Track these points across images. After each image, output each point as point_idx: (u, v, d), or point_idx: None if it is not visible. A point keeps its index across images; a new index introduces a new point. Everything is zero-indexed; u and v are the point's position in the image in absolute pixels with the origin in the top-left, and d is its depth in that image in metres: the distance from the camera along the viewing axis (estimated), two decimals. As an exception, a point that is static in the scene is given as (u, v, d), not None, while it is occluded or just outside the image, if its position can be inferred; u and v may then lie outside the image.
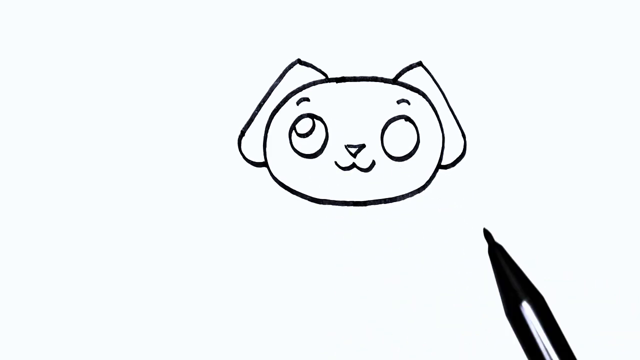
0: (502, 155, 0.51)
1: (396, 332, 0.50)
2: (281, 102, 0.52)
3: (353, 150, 0.51)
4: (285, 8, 0.52)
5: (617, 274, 0.50)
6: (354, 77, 0.52)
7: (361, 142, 0.51)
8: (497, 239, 0.47)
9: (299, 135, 0.51)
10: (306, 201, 0.51)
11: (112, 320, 0.50)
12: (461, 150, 0.51)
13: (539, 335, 0.26)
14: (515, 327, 0.26)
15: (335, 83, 0.52)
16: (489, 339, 0.48)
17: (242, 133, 0.52)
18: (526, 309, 0.27)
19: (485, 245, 0.46)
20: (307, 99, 0.52)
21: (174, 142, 0.52)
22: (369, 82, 0.52)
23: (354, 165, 0.51)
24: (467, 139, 0.51)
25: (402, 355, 0.49)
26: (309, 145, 0.51)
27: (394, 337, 0.50)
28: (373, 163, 0.51)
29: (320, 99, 0.52)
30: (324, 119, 0.52)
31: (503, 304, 0.27)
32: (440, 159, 0.51)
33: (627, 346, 0.49)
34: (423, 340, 0.49)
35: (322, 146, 0.51)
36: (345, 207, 0.51)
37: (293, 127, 0.52)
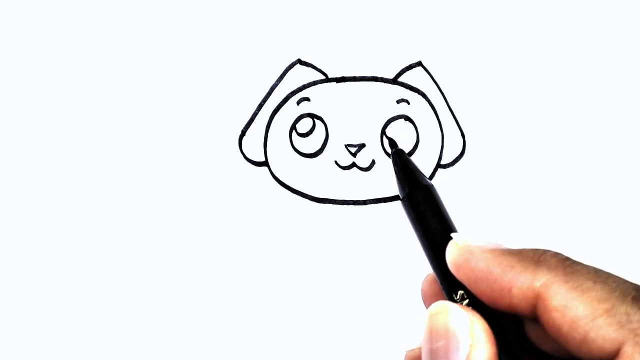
0: (501, 155, 0.52)
1: (396, 331, 0.50)
2: (281, 102, 0.52)
3: (353, 149, 0.51)
4: (285, 8, 0.53)
5: (618, 272, 0.50)
6: (354, 77, 0.52)
7: (361, 142, 0.52)
8: (497, 237, 0.47)
9: (300, 134, 0.52)
10: (306, 200, 0.51)
11: (112, 318, 0.50)
12: (460, 150, 0.52)
13: (427, 215, 0.30)
14: (412, 213, 0.31)
15: (335, 83, 0.52)
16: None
17: (243, 133, 0.52)
18: (419, 195, 0.31)
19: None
20: (307, 99, 0.52)
21: (175, 142, 0.52)
22: (369, 82, 0.52)
23: (354, 165, 0.51)
24: (466, 139, 0.52)
25: (400, 352, 0.50)
26: (309, 144, 0.52)
27: (393, 337, 0.50)
28: (373, 162, 0.51)
29: (320, 99, 0.52)
30: (324, 119, 0.52)
31: (400, 193, 0.31)
32: (440, 159, 0.52)
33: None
34: (421, 338, 0.50)
35: (322, 146, 0.52)
36: (345, 206, 0.51)
37: (293, 127, 0.52)
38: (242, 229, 0.51)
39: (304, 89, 0.52)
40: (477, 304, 0.28)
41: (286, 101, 0.52)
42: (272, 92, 0.52)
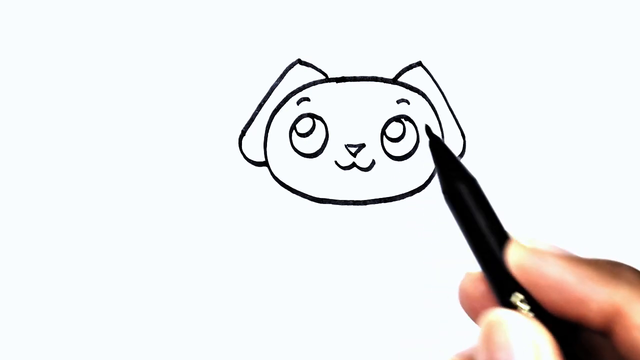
0: (501, 155, 0.51)
1: (395, 330, 0.50)
2: (281, 102, 0.52)
3: (353, 149, 0.51)
4: (285, 8, 0.52)
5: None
6: (354, 77, 0.52)
7: (361, 142, 0.51)
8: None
9: (300, 134, 0.52)
10: (307, 200, 0.51)
11: (111, 318, 0.50)
12: (460, 150, 0.52)
13: (475, 210, 0.29)
14: (453, 205, 0.29)
15: (335, 83, 0.52)
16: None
17: (243, 133, 0.52)
18: (463, 188, 0.29)
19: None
20: (307, 99, 0.52)
21: (175, 142, 0.52)
22: (369, 82, 0.52)
23: (354, 165, 0.51)
24: (466, 139, 0.52)
25: (401, 353, 0.50)
26: (309, 144, 0.52)
27: (393, 337, 0.50)
28: (373, 163, 0.51)
29: (320, 99, 0.52)
30: (324, 119, 0.52)
31: (441, 185, 0.29)
32: (440, 159, 0.52)
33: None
34: (422, 339, 0.50)
35: (322, 146, 0.52)
36: (345, 206, 0.51)
37: (293, 127, 0.52)
38: (242, 229, 0.51)
39: (304, 89, 0.52)
40: (539, 311, 0.26)
41: (286, 101, 0.52)
42: (272, 92, 0.52)
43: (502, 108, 0.52)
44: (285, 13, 0.52)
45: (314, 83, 0.52)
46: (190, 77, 0.52)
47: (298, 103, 0.52)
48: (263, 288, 0.50)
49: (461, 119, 0.52)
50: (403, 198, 0.51)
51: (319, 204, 0.51)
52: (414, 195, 0.51)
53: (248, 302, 0.50)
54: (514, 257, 0.27)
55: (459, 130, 0.52)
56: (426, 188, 0.51)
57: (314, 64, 0.52)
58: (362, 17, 0.52)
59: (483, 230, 0.29)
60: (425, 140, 0.52)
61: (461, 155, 0.52)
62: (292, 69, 0.52)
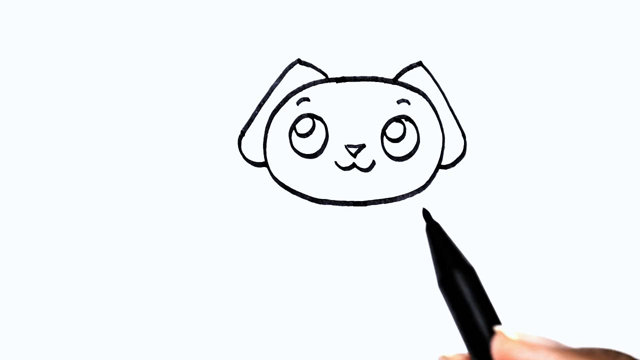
0: (502, 155, 0.51)
1: (396, 331, 0.50)
2: (281, 102, 0.52)
3: (353, 150, 0.51)
4: (285, 8, 0.52)
5: (617, 272, 0.50)
6: (354, 77, 0.52)
7: (361, 142, 0.51)
8: (497, 238, 0.47)
9: (299, 135, 0.51)
10: (306, 201, 0.51)
11: (110, 318, 0.50)
12: (461, 150, 0.51)
13: (470, 301, 0.28)
14: (447, 295, 0.28)
15: (335, 83, 0.52)
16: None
17: (242, 133, 0.52)
18: (458, 276, 0.28)
19: (485, 243, 0.46)
20: (307, 99, 0.52)
21: (175, 142, 0.51)
22: (369, 82, 0.52)
23: (354, 165, 0.51)
24: (467, 139, 0.51)
25: (401, 353, 0.49)
26: (309, 145, 0.51)
27: (393, 337, 0.50)
28: (373, 163, 0.51)
29: (320, 99, 0.52)
30: (324, 119, 0.52)
31: (436, 274, 0.29)
32: (441, 159, 0.51)
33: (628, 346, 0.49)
34: (421, 338, 0.49)
35: (322, 146, 0.51)
36: (345, 207, 0.51)
37: (293, 127, 0.52)
38: (242, 230, 0.51)
39: (304, 89, 0.52)
40: None
41: (286, 101, 0.52)
42: (272, 92, 0.52)
43: (503, 108, 0.52)
44: (285, 13, 0.52)
45: (314, 83, 0.52)
46: (190, 77, 0.52)
47: (298, 103, 0.52)
48: (263, 289, 0.50)
49: (462, 119, 0.52)
50: (403, 198, 0.51)
51: (319, 205, 0.51)
52: (414, 196, 0.51)
53: (248, 303, 0.50)
54: (503, 351, 0.27)
55: (459, 131, 0.51)
56: (426, 188, 0.51)
57: (314, 64, 0.52)
58: (362, 17, 0.52)
59: (475, 322, 0.28)
60: (425, 141, 0.52)
61: (462, 155, 0.51)
62: (292, 69, 0.52)
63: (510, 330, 0.27)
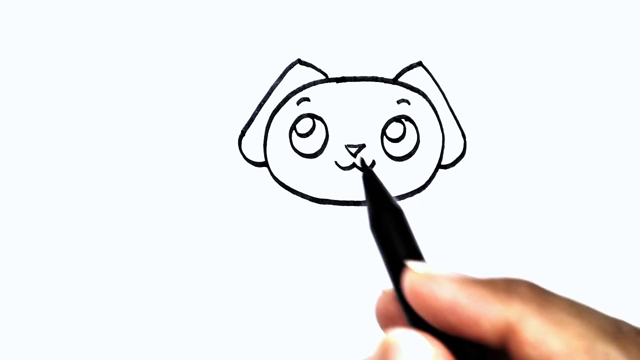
0: (503, 155, 0.51)
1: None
2: (281, 102, 0.52)
3: (353, 150, 0.51)
4: (285, 8, 0.52)
5: (617, 272, 0.50)
6: (354, 77, 0.52)
7: (361, 142, 0.51)
8: (497, 237, 0.47)
9: (300, 135, 0.51)
10: (307, 201, 0.51)
11: (110, 318, 0.50)
12: (461, 150, 0.52)
13: (396, 241, 0.29)
14: (377, 235, 0.30)
15: (335, 83, 0.52)
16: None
17: (243, 133, 0.52)
18: (387, 218, 0.29)
19: (485, 243, 0.46)
20: (307, 99, 0.52)
21: (175, 142, 0.52)
22: (369, 82, 0.52)
23: (354, 165, 0.51)
24: (467, 139, 0.52)
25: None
26: (310, 145, 0.52)
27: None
28: (373, 163, 0.51)
29: (320, 99, 0.52)
30: (324, 119, 0.52)
31: (368, 217, 0.30)
32: (440, 159, 0.52)
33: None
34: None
35: (322, 146, 0.51)
36: (346, 206, 0.51)
37: (293, 127, 0.52)
38: (242, 230, 0.51)
39: (304, 89, 0.52)
40: (440, 332, 0.27)
41: (286, 101, 0.52)
42: (272, 92, 0.52)
43: (503, 108, 0.52)
44: (285, 13, 0.52)
45: (314, 83, 0.52)
46: (190, 77, 0.52)
47: (298, 103, 0.52)
48: (263, 289, 0.50)
49: (462, 119, 0.52)
50: (403, 198, 0.51)
51: (319, 205, 0.51)
52: (414, 196, 0.51)
53: (248, 303, 0.50)
54: (409, 284, 0.27)
55: (459, 131, 0.52)
56: (426, 188, 0.51)
57: (314, 64, 0.52)
58: (362, 17, 0.52)
59: (399, 259, 0.29)
60: (425, 141, 0.52)
61: (462, 155, 0.51)
62: (292, 69, 0.52)
63: (419, 265, 0.28)
